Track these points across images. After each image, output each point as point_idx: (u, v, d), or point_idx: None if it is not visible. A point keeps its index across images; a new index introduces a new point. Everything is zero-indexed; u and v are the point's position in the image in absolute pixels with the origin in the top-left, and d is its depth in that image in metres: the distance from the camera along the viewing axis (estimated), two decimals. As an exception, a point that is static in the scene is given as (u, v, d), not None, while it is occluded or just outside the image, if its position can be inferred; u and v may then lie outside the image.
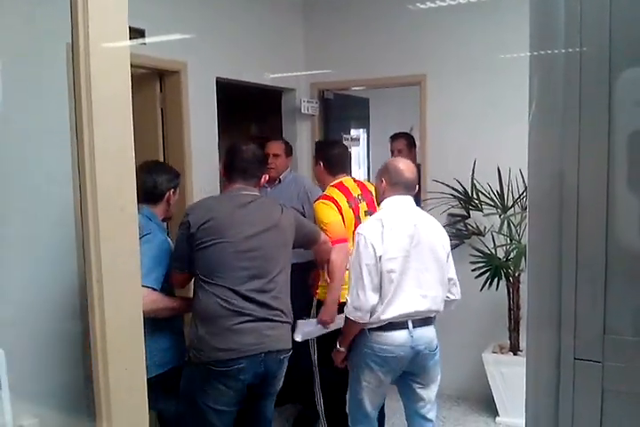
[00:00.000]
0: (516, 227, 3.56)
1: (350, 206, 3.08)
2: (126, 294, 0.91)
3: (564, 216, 0.89)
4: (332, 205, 3.01)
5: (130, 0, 1.47)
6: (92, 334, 0.77)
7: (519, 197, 3.59)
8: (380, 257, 2.44)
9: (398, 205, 2.61)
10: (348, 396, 2.77)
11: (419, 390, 2.65)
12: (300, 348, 2.89)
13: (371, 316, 2.48)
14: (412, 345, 2.51)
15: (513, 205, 3.63)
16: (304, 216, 3.13)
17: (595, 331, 0.82)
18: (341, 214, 3.03)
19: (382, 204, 2.65)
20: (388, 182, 2.62)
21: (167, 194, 2.60)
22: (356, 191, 3.16)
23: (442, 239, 2.64)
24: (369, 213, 3.09)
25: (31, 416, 1.93)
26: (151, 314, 2.27)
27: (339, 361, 2.69)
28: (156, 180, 2.57)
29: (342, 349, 2.65)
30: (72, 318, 2.55)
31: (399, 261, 2.47)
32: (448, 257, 2.64)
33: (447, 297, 2.66)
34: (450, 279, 2.66)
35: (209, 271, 2.34)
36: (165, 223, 2.81)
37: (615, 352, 0.81)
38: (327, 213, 2.99)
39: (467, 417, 3.81)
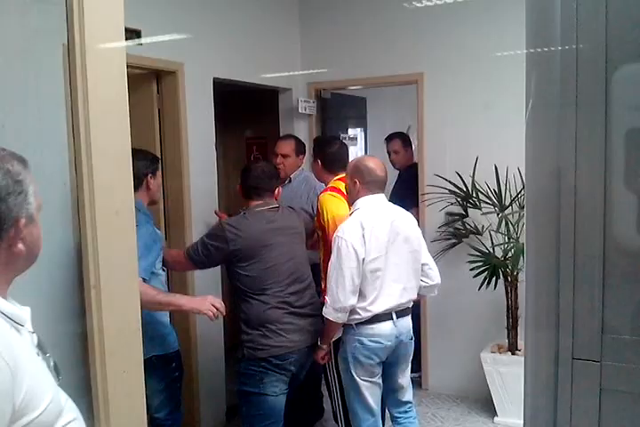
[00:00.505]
0: (513, 225, 3.56)
1: None
2: (124, 299, 0.90)
3: (562, 215, 0.89)
4: (341, 197, 3.02)
5: (126, 0, 1.47)
6: (90, 337, 0.76)
7: (517, 196, 3.59)
8: (364, 259, 2.54)
9: (374, 205, 2.68)
10: (348, 399, 2.78)
11: (399, 380, 2.79)
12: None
13: (352, 314, 2.59)
14: (396, 335, 2.65)
15: (511, 204, 3.63)
16: (311, 217, 3.21)
17: (593, 330, 0.81)
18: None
19: (357, 203, 2.69)
20: (361, 182, 2.67)
21: (145, 179, 2.62)
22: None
23: (415, 230, 2.77)
24: None
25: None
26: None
27: (319, 358, 2.78)
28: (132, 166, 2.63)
29: (324, 346, 2.75)
30: (70, 320, 2.54)
31: (381, 260, 2.59)
32: (421, 246, 2.77)
33: (426, 282, 2.79)
34: (424, 264, 2.78)
35: (255, 285, 2.66)
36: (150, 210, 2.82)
37: (613, 352, 0.81)
38: (338, 205, 2.98)
39: (465, 417, 3.81)
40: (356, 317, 2.59)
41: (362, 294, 2.57)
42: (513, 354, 3.65)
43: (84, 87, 0.87)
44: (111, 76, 0.99)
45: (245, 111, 4.93)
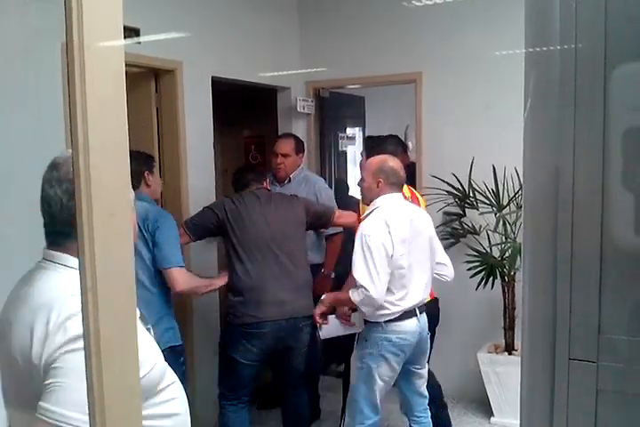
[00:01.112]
0: (511, 225, 3.57)
1: None
2: (121, 302, 0.90)
3: (560, 215, 0.89)
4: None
5: (124, -2, 1.46)
6: (86, 339, 0.76)
7: (514, 196, 3.60)
8: (392, 256, 2.59)
9: (396, 203, 2.76)
10: (355, 397, 2.76)
11: (419, 371, 2.87)
12: (309, 351, 3.08)
13: (380, 309, 2.63)
14: (419, 331, 2.74)
15: (508, 204, 3.63)
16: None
17: (589, 331, 0.82)
18: None
19: (377, 202, 2.75)
20: (385, 182, 2.74)
21: (143, 176, 2.75)
22: (407, 193, 3.14)
23: (431, 228, 2.87)
24: None
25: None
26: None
27: (315, 314, 2.85)
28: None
29: (327, 303, 2.85)
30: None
31: (406, 257, 2.65)
32: (437, 244, 2.89)
33: (444, 278, 2.93)
34: (441, 263, 2.91)
35: (239, 254, 2.86)
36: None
37: (610, 352, 0.81)
38: None
39: (461, 417, 3.81)
40: (386, 312, 2.64)
41: (389, 290, 2.62)
42: (510, 354, 3.66)
43: (82, 86, 0.86)
44: (110, 74, 0.99)
45: (243, 110, 4.93)
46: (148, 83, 3.38)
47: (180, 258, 2.67)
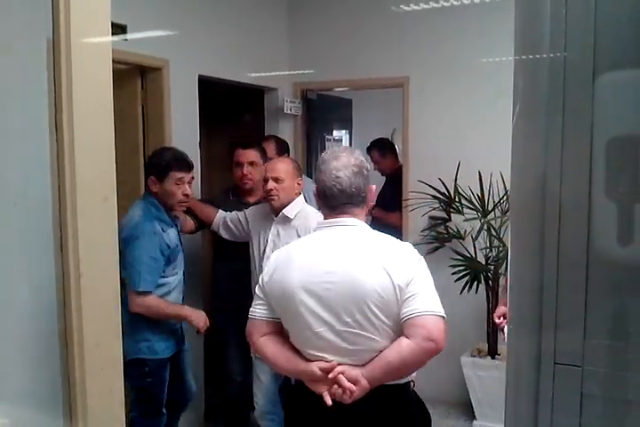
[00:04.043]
0: (496, 231, 3.59)
1: None
2: (106, 290, 0.89)
3: (547, 220, 0.89)
4: None
5: (113, -5, 1.45)
6: (69, 332, 0.75)
7: (499, 201, 3.62)
8: None
9: None
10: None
11: None
12: None
13: None
14: None
15: (493, 209, 3.65)
16: None
17: (575, 335, 0.82)
18: None
19: None
20: None
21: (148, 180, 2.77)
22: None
23: None
24: None
25: (2, 416, 1.89)
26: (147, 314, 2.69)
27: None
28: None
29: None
30: (48, 315, 2.50)
31: None
32: None
33: None
34: None
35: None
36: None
37: (595, 357, 0.81)
38: None
39: (443, 420, 3.82)
40: None
41: None
42: (493, 358, 3.68)
43: (68, 81, 0.86)
44: (96, 70, 0.98)
45: (230, 110, 4.91)
46: (134, 80, 3.35)
47: (147, 282, 2.59)
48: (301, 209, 2.92)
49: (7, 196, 2.37)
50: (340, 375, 1.72)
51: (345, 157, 1.85)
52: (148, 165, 2.87)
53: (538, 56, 0.96)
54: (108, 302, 0.87)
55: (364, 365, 1.75)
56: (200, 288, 3.57)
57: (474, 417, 3.75)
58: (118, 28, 2.93)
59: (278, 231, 2.90)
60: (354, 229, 1.85)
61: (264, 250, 2.92)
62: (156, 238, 2.63)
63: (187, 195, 2.73)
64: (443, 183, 3.80)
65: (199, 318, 2.78)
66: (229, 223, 3.14)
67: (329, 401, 1.72)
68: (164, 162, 2.71)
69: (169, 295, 2.76)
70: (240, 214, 3.13)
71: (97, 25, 1.12)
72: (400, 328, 1.73)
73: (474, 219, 3.65)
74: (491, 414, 3.63)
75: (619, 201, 0.90)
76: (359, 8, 4.16)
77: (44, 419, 2.31)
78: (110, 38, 1.26)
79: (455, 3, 3.70)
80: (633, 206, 0.88)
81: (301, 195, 2.99)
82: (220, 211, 3.21)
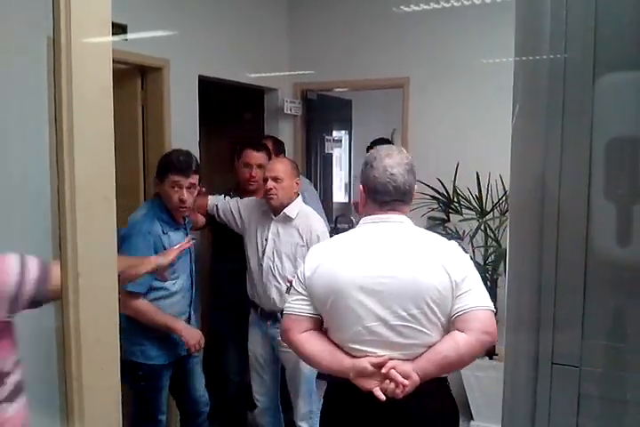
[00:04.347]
0: (494, 231, 3.59)
1: None
2: (103, 290, 0.89)
3: (546, 221, 0.90)
4: None
5: (113, -6, 1.45)
6: (67, 330, 0.75)
7: (498, 202, 3.62)
8: None
9: None
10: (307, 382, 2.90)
11: None
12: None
13: None
14: None
15: (492, 210, 3.65)
16: None
17: (573, 336, 0.82)
18: None
19: None
20: None
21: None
22: None
23: None
24: None
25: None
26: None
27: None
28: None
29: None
30: (46, 314, 2.50)
31: None
32: None
33: None
34: None
35: None
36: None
37: (593, 357, 0.82)
38: None
39: (441, 420, 3.81)
40: None
41: None
42: (490, 359, 3.67)
43: (68, 80, 0.85)
44: (96, 69, 0.98)
45: (230, 110, 4.91)
46: (135, 80, 3.35)
47: (137, 283, 2.47)
48: (301, 209, 2.93)
49: (6, 194, 2.38)
50: (393, 370, 1.71)
51: (397, 155, 1.87)
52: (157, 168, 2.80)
53: (538, 57, 0.96)
54: (107, 301, 0.87)
55: (412, 359, 1.75)
56: (200, 287, 3.57)
57: (471, 417, 3.75)
58: (119, 28, 2.93)
59: (278, 230, 2.89)
60: (402, 225, 1.87)
61: (264, 250, 2.91)
62: (150, 239, 2.55)
63: (182, 200, 2.61)
64: (442, 184, 3.80)
65: (191, 336, 2.65)
66: (221, 213, 3.10)
67: (382, 396, 1.71)
68: (165, 163, 2.67)
69: (167, 300, 2.65)
70: (232, 204, 3.08)
71: (97, 24, 1.12)
72: (448, 324, 1.76)
73: (472, 219, 3.66)
74: (488, 414, 3.63)
75: (617, 202, 0.90)
76: (359, 8, 4.17)
77: (41, 418, 2.31)
78: (111, 38, 1.25)
79: (455, 3, 3.70)
80: (631, 207, 0.89)
81: (299, 195, 2.99)
82: (210, 197, 3.16)
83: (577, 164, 0.90)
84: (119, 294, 2.48)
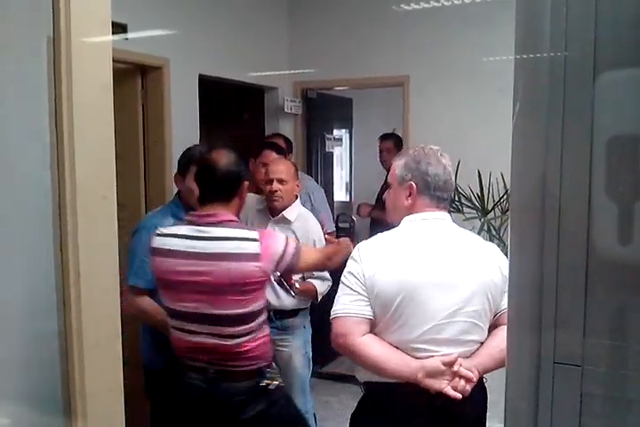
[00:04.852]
0: (496, 230, 3.59)
1: None
2: (104, 290, 0.89)
3: (547, 220, 0.89)
4: None
5: (113, -7, 1.45)
6: (69, 331, 0.75)
7: (499, 201, 3.62)
8: None
9: None
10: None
11: None
12: None
13: None
14: None
15: (493, 209, 3.65)
16: None
17: (575, 335, 0.82)
18: None
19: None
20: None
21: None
22: None
23: None
24: None
25: (3, 416, 1.89)
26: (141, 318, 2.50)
27: None
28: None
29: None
30: (47, 315, 2.50)
31: None
32: None
33: None
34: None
35: None
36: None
37: (595, 356, 0.81)
38: None
39: (443, 418, 3.81)
40: None
41: None
42: (491, 357, 3.67)
43: (68, 79, 0.86)
44: (97, 69, 0.98)
45: (230, 109, 4.91)
46: (135, 79, 3.35)
47: (129, 274, 2.38)
48: (300, 212, 2.91)
49: (7, 195, 2.37)
50: (461, 368, 1.71)
51: (444, 156, 1.96)
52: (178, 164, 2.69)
53: (538, 55, 0.96)
54: (108, 301, 0.87)
55: (468, 356, 1.76)
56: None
57: (473, 416, 3.75)
58: (119, 27, 2.93)
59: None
60: (448, 222, 1.90)
61: None
62: (156, 232, 2.40)
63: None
64: (443, 182, 3.79)
65: None
66: None
67: (457, 395, 1.69)
68: (188, 157, 2.59)
69: None
70: None
71: (97, 24, 1.12)
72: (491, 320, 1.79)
73: (474, 218, 3.65)
74: (490, 413, 3.63)
75: (619, 200, 0.90)
76: (359, 6, 4.16)
77: (45, 418, 2.31)
78: (111, 37, 1.26)
79: (456, 2, 3.70)
80: (633, 206, 0.88)
81: (298, 197, 2.97)
82: None
83: (578, 162, 0.90)
84: (122, 293, 2.39)
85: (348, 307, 1.75)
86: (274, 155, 3.21)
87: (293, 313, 2.89)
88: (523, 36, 1.00)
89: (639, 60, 0.88)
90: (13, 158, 2.39)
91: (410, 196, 1.87)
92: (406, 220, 1.87)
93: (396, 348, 1.74)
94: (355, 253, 1.82)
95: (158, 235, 2.17)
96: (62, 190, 0.77)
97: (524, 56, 0.99)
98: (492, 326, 1.81)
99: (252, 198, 3.03)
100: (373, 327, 1.76)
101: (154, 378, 2.50)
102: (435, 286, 1.71)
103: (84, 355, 0.80)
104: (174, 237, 2.13)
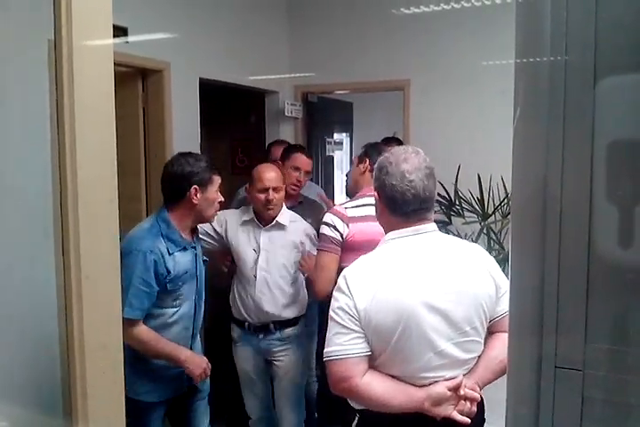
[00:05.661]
0: (496, 234, 3.58)
1: None
2: (106, 294, 0.89)
3: (548, 224, 0.89)
4: None
5: (114, -3, 1.45)
6: (70, 334, 0.75)
7: (500, 205, 3.62)
8: None
9: None
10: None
11: None
12: None
13: None
14: None
15: (494, 212, 3.65)
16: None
17: (576, 340, 0.82)
18: None
19: None
20: None
21: (188, 191, 2.31)
22: None
23: None
24: None
25: (1, 419, 1.89)
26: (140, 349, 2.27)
27: None
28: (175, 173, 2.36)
29: None
30: (49, 318, 2.50)
31: None
32: None
33: None
34: None
35: None
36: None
37: (596, 361, 0.81)
38: None
39: (443, 423, 3.79)
40: None
41: None
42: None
43: (69, 83, 0.86)
44: (98, 72, 0.98)
45: (231, 113, 4.91)
46: (135, 82, 3.36)
47: (134, 308, 2.17)
48: (290, 215, 2.88)
49: (9, 198, 2.38)
50: (466, 389, 1.63)
51: (414, 157, 1.69)
52: (189, 175, 2.32)
53: (539, 59, 0.96)
54: (110, 305, 0.87)
55: (468, 372, 1.68)
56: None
57: (474, 421, 3.74)
58: (120, 31, 2.93)
59: (270, 240, 2.79)
60: (436, 234, 1.73)
61: (256, 261, 2.78)
62: (151, 258, 2.19)
63: (221, 202, 2.40)
64: (443, 186, 3.79)
65: (196, 365, 2.31)
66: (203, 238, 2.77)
67: (466, 419, 1.62)
68: (204, 166, 2.33)
69: (166, 330, 2.31)
70: (208, 228, 2.78)
71: (98, 27, 1.12)
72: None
73: (474, 222, 3.65)
74: (491, 418, 3.61)
75: (620, 204, 0.90)
76: (360, 10, 4.17)
77: (45, 422, 2.31)
78: (112, 41, 1.26)
79: (456, 6, 3.71)
80: (634, 209, 0.88)
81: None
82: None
83: (579, 166, 0.90)
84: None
85: (345, 348, 1.61)
86: (304, 158, 3.21)
87: (293, 322, 2.88)
88: (523, 40, 1.00)
89: (639, 64, 0.88)
90: (15, 161, 2.40)
91: (380, 209, 1.76)
92: (387, 237, 1.73)
93: (399, 378, 1.65)
94: (341, 283, 1.65)
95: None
96: (64, 194, 0.78)
97: (525, 60, 0.99)
98: (487, 333, 1.73)
99: (227, 215, 2.85)
100: (372, 361, 1.64)
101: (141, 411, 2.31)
102: (432, 311, 1.60)
103: (85, 358, 0.80)
104: None
